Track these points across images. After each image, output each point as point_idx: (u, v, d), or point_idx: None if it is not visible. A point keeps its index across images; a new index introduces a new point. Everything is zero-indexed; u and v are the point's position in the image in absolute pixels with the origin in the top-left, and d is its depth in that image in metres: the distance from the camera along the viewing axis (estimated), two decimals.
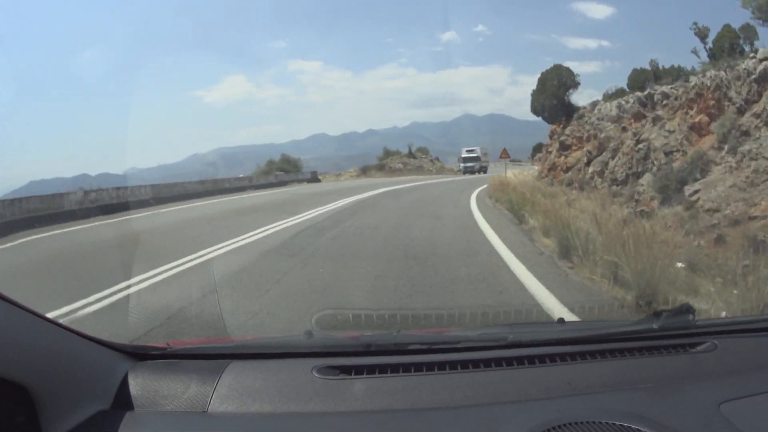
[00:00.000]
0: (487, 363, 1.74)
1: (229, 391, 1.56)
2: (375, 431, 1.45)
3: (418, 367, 1.69)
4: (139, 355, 1.72)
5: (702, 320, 2.10)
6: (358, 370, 1.67)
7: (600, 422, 1.41)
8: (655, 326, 1.95)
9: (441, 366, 1.70)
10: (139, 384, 1.57)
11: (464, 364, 1.72)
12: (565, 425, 1.39)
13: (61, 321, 1.48)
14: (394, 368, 1.68)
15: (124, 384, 1.56)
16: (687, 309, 2.00)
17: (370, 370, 1.67)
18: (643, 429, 1.38)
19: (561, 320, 2.24)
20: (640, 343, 1.90)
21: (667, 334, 1.94)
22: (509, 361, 1.75)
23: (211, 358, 1.76)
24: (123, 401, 1.51)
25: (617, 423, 1.40)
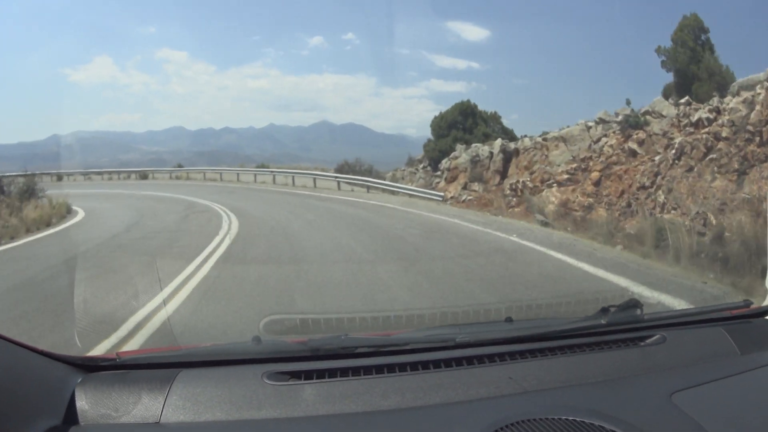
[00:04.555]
0: (436, 364, 1.76)
1: (181, 401, 1.55)
2: None
3: (368, 370, 1.71)
4: (89, 366, 1.70)
5: (650, 314, 2.12)
6: (308, 374, 1.68)
7: (552, 418, 1.42)
8: (603, 321, 1.99)
9: (390, 368, 1.72)
10: (89, 397, 1.54)
11: (413, 366, 1.74)
12: (516, 423, 1.40)
13: (3, 333, 1.41)
14: (344, 372, 1.70)
15: (75, 398, 1.52)
16: (635, 304, 2.06)
17: (320, 374, 1.68)
18: (595, 422, 1.40)
19: (509, 319, 2.18)
20: (589, 339, 1.94)
21: (616, 329, 1.99)
22: (458, 362, 1.78)
23: (161, 367, 1.73)
24: (74, 416, 1.47)
25: (569, 418, 1.42)
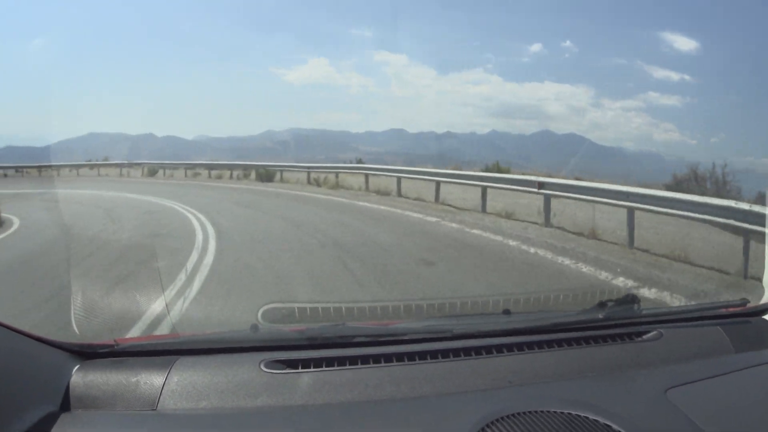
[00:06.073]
0: (433, 355, 1.80)
1: (178, 388, 1.60)
2: (322, 425, 1.51)
3: (365, 360, 1.76)
4: (86, 353, 1.74)
5: (647, 309, 2.21)
6: (305, 363, 1.73)
7: (547, 411, 1.48)
8: (600, 316, 2.05)
9: (387, 358, 1.77)
10: (87, 384, 1.59)
11: (410, 356, 1.78)
12: (512, 415, 1.45)
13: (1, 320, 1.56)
14: (341, 361, 1.75)
15: (73, 384, 1.59)
16: (632, 299, 2.13)
17: (317, 363, 1.74)
18: (590, 416, 1.45)
19: (507, 311, 2.19)
20: (585, 333, 1.99)
21: (613, 323, 2.05)
22: (455, 353, 1.82)
23: (159, 354, 1.79)
24: (72, 402, 1.54)
25: (564, 411, 1.47)
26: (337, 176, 21.45)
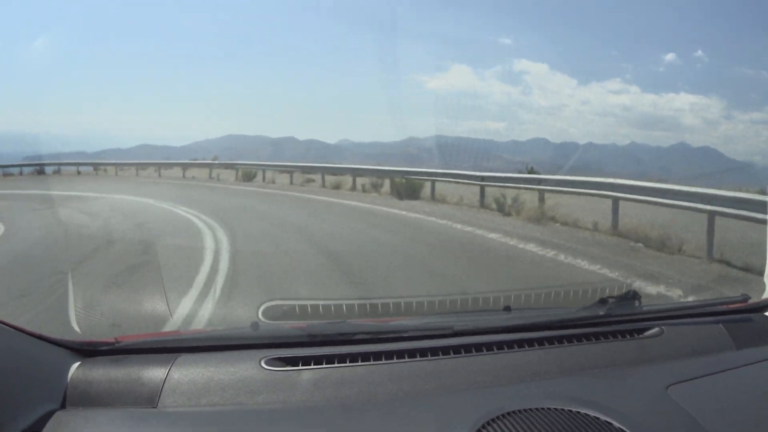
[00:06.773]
0: (434, 352, 1.81)
1: (179, 385, 1.62)
2: (322, 422, 1.52)
3: (365, 357, 1.77)
4: (87, 351, 1.77)
5: (648, 306, 2.22)
6: (305, 360, 1.75)
7: (548, 408, 1.49)
8: (601, 313, 2.05)
9: (388, 355, 1.78)
10: (88, 381, 1.61)
11: (411, 353, 1.80)
12: (513, 412, 1.46)
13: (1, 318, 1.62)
14: (341, 358, 1.76)
15: (73, 382, 1.62)
16: (633, 295, 2.13)
17: (317, 360, 1.75)
18: (591, 413, 1.46)
19: (507, 308, 2.23)
20: (586, 330, 1.99)
21: (614, 320, 2.06)
22: (456, 350, 1.83)
23: (160, 352, 1.80)
24: (73, 400, 1.56)
25: (565, 408, 1.48)
26: (542, 198, 12.57)
